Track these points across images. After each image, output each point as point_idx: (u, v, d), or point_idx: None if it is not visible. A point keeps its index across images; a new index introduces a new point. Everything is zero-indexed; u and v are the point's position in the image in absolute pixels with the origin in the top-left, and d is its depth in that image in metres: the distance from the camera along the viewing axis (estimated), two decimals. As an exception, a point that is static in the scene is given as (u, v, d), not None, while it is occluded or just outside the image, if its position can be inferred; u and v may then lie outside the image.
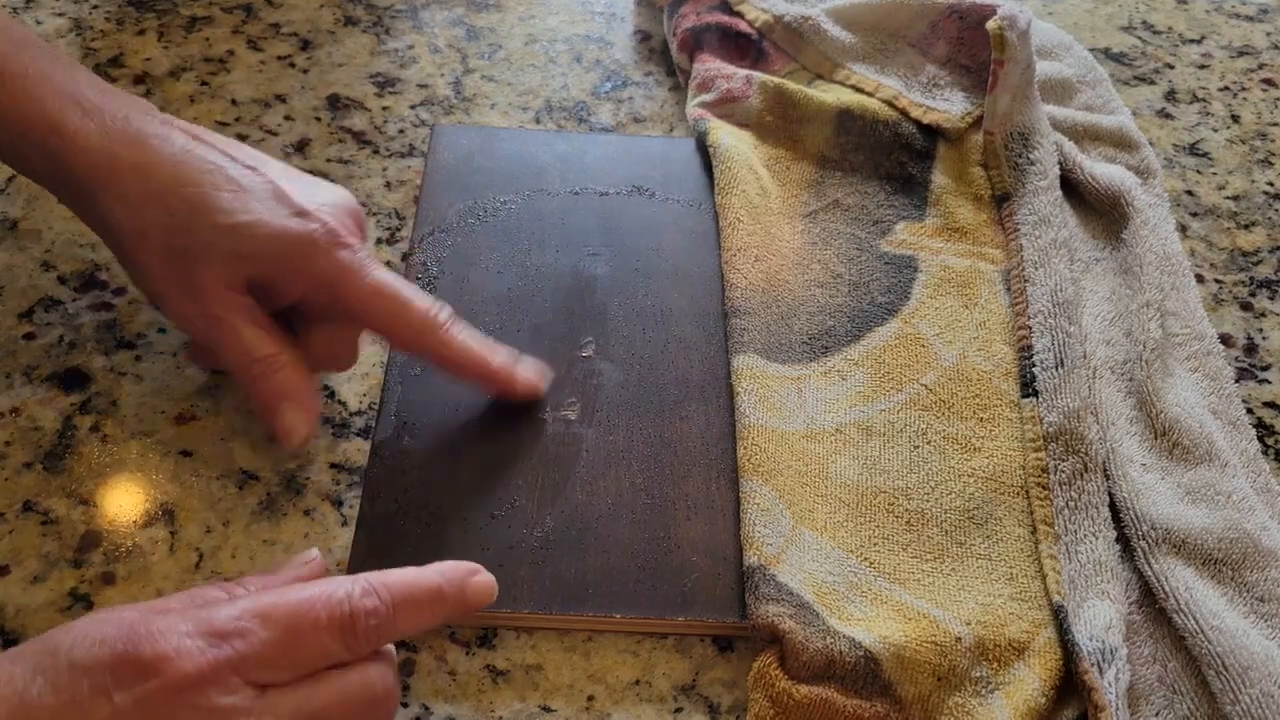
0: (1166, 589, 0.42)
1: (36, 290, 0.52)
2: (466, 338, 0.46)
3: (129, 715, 0.31)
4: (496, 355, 0.47)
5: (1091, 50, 0.68)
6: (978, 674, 0.41)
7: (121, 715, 0.31)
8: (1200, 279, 0.57)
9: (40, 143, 0.43)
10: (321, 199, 0.45)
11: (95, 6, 0.66)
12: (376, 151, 0.60)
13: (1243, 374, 0.53)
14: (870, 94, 0.60)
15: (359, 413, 0.48)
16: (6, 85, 0.43)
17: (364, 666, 0.35)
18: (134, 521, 0.44)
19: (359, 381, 0.49)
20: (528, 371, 0.48)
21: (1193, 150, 0.64)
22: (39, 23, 0.65)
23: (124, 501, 0.45)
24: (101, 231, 0.45)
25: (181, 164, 0.43)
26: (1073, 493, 0.45)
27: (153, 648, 0.32)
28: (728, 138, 0.58)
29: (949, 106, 0.59)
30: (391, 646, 0.36)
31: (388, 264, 0.54)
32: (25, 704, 0.30)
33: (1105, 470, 0.46)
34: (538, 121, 0.62)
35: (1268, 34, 0.73)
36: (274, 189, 0.44)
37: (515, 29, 0.68)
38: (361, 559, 0.42)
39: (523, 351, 0.49)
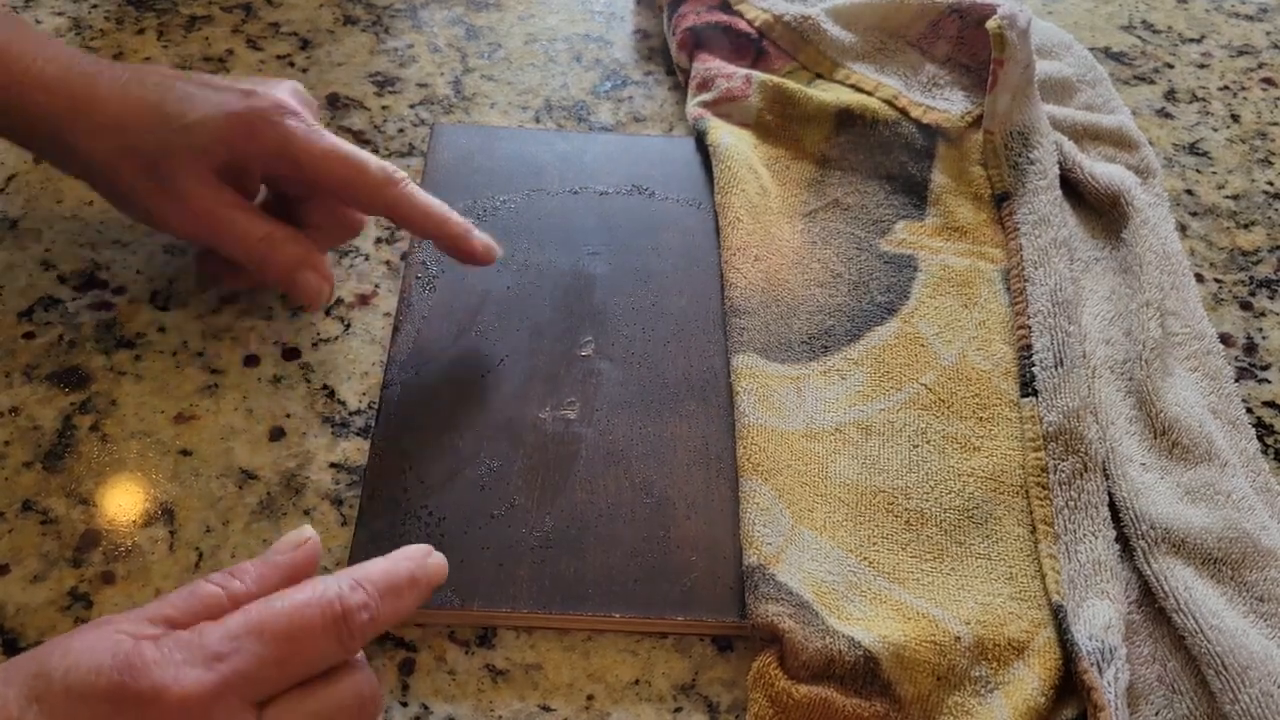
0: (1166, 588, 0.42)
1: (36, 290, 0.52)
2: (424, 196, 0.48)
3: None
4: (453, 215, 0.49)
5: (1091, 49, 0.68)
6: (977, 673, 0.41)
7: None
8: (1200, 278, 0.57)
9: (12, 103, 0.46)
10: (268, 85, 0.48)
11: (95, 6, 0.66)
12: (376, 151, 0.60)
13: (1242, 373, 0.53)
14: (870, 93, 0.60)
15: (359, 412, 0.48)
16: None
17: (352, 672, 0.35)
18: (133, 521, 0.44)
19: (359, 381, 0.49)
20: (482, 236, 0.50)
21: (1192, 150, 0.64)
22: (39, 21, 0.65)
23: (123, 501, 0.45)
24: (78, 170, 0.48)
25: (130, 86, 0.46)
26: (1072, 492, 0.45)
27: (149, 678, 0.31)
28: (727, 137, 0.58)
29: (949, 106, 0.59)
30: (361, 652, 0.36)
31: (386, 264, 0.54)
32: None
33: (1105, 470, 0.46)
34: (537, 121, 0.62)
35: (1267, 33, 0.73)
36: (216, 85, 0.47)
37: (515, 28, 0.68)
38: (362, 559, 0.42)
39: (522, 351, 0.50)
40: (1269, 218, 0.61)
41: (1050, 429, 0.47)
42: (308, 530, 0.38)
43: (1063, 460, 0.46)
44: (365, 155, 0.47)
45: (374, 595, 0.35)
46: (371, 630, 0.35)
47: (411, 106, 0.62)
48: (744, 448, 0.46)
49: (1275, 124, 0.66)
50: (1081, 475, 0.45)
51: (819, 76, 0.62)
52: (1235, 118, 0.66)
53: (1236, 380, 0.52)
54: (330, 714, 0.34)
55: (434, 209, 0.48)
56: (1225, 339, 0.54)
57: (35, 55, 0.46)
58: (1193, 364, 0.51)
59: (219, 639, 0.32)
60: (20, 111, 0.46)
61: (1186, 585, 0.42)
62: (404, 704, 0.40)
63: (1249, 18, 0.74)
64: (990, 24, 0.55)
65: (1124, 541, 0.45)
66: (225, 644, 0.32)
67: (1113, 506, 0.45)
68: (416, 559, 0.38)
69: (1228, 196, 0.62)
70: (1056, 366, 0.49)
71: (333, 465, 0.47)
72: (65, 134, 0.46)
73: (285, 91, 0.48)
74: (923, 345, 0.51)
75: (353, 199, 0.49)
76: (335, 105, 0.62)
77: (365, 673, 0.35)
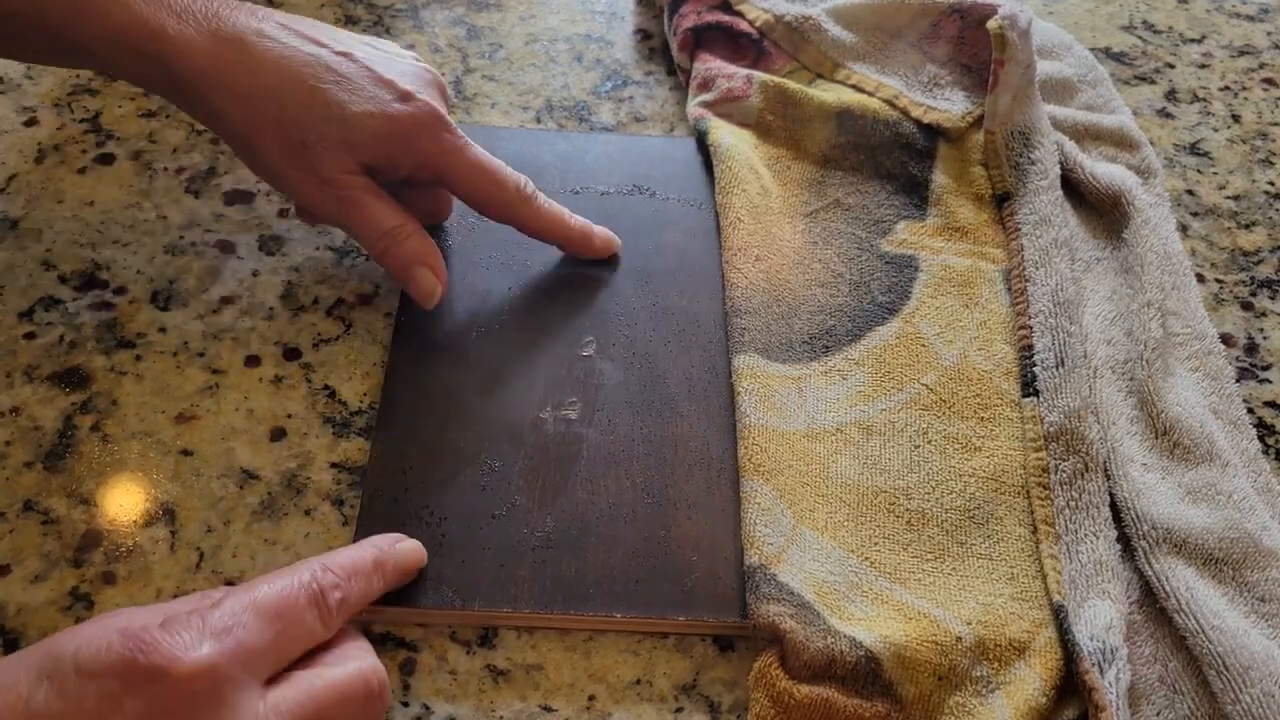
0: (1167, 589, 0.42)
1: (37, 290, 0.52)
2: (551, 206, 0.52)
3: None
4: (574, 219, 0.53)
5: (1092, 50, 0.68)
6: (978, 674, 0.41)
7: None
8: (1201, 279, 0.57)
9: (142, 51, 0.45)
10: (413, 79, 0.49)
11: None
12: (377, 151, 0.60)
13: (1243, 373, 0.53)
14: (871, 93, 0.60)
15: (359, 412, 0.48)
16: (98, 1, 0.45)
17: (359, 657, 0.36)
18: (134, 521, 0.44)
19: (359, 381, 0.49)
20: (601, 231, 0.54)
21: (1193, 150, 0.64)
22: (39, 22, 0.65)
23: (124, 501, 0.45)
24: (218, 130, 0.48)
25: (284, 60, 0.46)
26: (1073, 492, 0.45)
27: (158, 651, 0.32)
28: (728, 137, 0.58)
29: (950, 106, 0.59)
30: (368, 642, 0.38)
31: (388, 263, 0.54)
32: (31, 710, 0.30)
33: (1106, 470, 0.46)
34: (538, 121, 0.62)
35: (1268, 33, 0.73)
36: (372, 75, 0.48)
37: (516, 28, 0.68)
38: (362, 558, 0.42)
39: (522, 351, 0.50)
40: (1270, 218, 0.61)
41: (1051, 429, 0.47)
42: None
43: (1064, 460, 0.46)
44: (504, 172, 0.50)
45: (342, 577, 0.38)
46: (345, 610, 0.37)
47: (412, 106, 0.62)
48: (745, 448, 0.46)
49: (1276, 124, 0.66)
50: (1083, 475, 0.45)
51: (820, 77, 0.62)
52: (1236, 118, 0.66)
53: (1237, 380, 0.52)
54: (336, 695, 0.35)
55: (556, 218, 0.52)
56: (1226, 339, 0.54)
57: (171, 6, 0.45)
58: (1194, 364, 0.51)
59: (219, 616, 0.34)
60: (165, 71, 0.45)
61: (1188, 585, 0.42)
62: (405, 704, 0.40)
63: (1250, 18, 0.74)
64: (991, 24, 0.55)
65: (1125, 542, 0.45)
66: (228, 619, 0.34)
67: (1114, 507, 0.45)
68: (380, 545, 0.41)
69: (1229, 197, 0.62)
70: (1058, 367, 0.48)
71: (333, 465, 0.47)
72: (212, 96, 0.45)
73: (432, 89, 0.50)
74: (924, 345, 0.51)
75: (487, 210, 0.51)
76: (336, 105, 0.62)
77: (371, 659, 0.37)
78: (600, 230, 0.53)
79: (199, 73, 0.45)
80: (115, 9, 0.44)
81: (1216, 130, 0.65)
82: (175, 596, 0.42)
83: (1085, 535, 0.44)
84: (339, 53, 0.47)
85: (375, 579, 0.39)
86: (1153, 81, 0.68)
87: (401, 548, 0.41)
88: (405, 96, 0.47)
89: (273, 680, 0.34)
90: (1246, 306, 0.56)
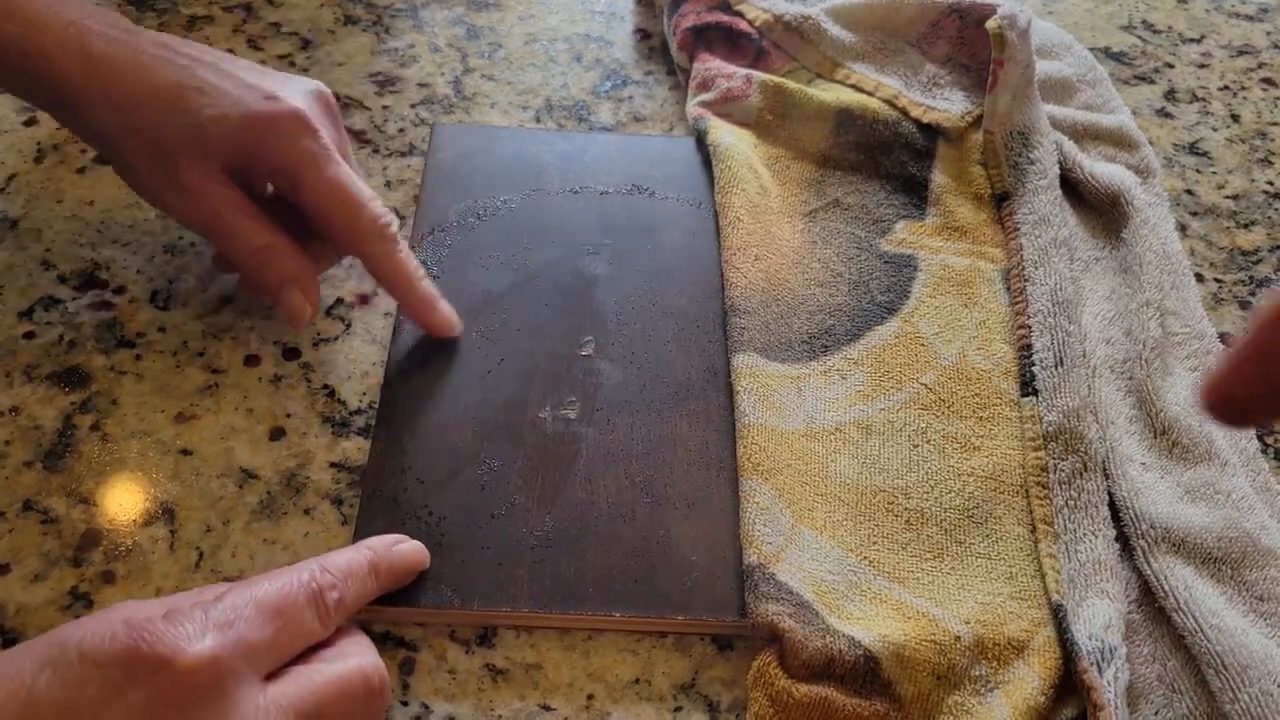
0: (1166, 588, 0.42)
1: (36, 289, 0.52)
2: (405, 257, 0.48)
3: (144, 710, 0.31)
4: (424, 283, 0.49)
5: (1091, 49, 0.68)
6: (977, 673, 0.41)
7: (136, 711, 0.31)
8: (1200, 278, 0.57)
9: (25, 69, 0.45)
10: (289, 86, 0.47)
11: (95, 5, 0.66)
12: (376, 150, 0.60)
13: (1242, 373, 0.53)
14: (870, 93, 0.60)
15: (359, 412, 0.48)
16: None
17: (359, 654, 0.37)
18: (134, 520, 0.44)
19: (359, 381, 0.49)
20: (447, 309, 0.49)
21: (1192, 149, 0.64)
22: (39, 22, 0.65)
23: (124, 500, 0.45)
24: (100, 147, 0.48)
25: (152, 71, 0.45)
26: (1072, 492, 0.45)
27: (162, 642, 0.32)
28: (728, 137, 0.58)
29: (949, 106, 0.59)
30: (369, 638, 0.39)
31: (388, 263, 0.54)
32: (33, 697, 0.30)
33: (1105, 469, 0.46)
34: (538, 120, 0.62)
35: (1268, 33, 0.73)
36: (238, 81, 0.46)
37: (515, 28, 0.68)
38: (361, 558, 0.42)
39: (522, 351, 0.50)
40: (1269, 218, 0.61)
41: (1050, 428, 0.47)
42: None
43: (1063, 460, 0.46)
44: (364, 198, 0.47)
45: (340, 578, 0.38)
46: (342, 610, 0.38)
47: (412, 106, 0.62)
48: (744, 447, 0.46)
49: (1275, 124, 0.66)
50: (1081, 475, 0.45)
51: (819, 76, 0.62)
52: (1235, 118, 0.66)
53: (1236, 380, 0.51)
54: (336, 690, 0.35)
55: (406, 273, 0.48)
56: (1225, 339, 0.54)
57: (54, 14, 0.45)
58: (1193, 363, 0.51)
59: (222, 610, 0.34)
60: (31, 73, 0.45)
61: (1186, 584, 0.42)
62: (404, 703, 0.40)
63: (1249, 18, 0.74)
64: (990, 24, 0.55)
65: (1124, 541, 0.45)
66: (230, 612, 0.34)
67: (1113, 506, 0.45)
68: (376, 547, 0.41)
69: (1228, 196, 0.62)
70: (1056, 366, 0.49)
71: (333, 465, 0.47)
72: (78, 103, 0.45)
73: (309, 98, 0.48)
74: (923, 345, 0.51)
75: (336, 236, 0.47)
76: (335, 105, 0.62)
77: (372, 656, 0.37)
78: (445, 306, 0.49)
79: (77, 90, 0.45)
80: (9, 25, 0.44)
81: (1216, 130, 0.65)
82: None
83: (1084, 534, 0.44)
84: (209, 63, 0.46)
85: (370, 581, 0.40)
86: (1152, 81, 0.68)
87: (400, 549, 0.42)
88: (269, 97, 0.46)
89: (272, 676, 0.34)
90: (1245, 306, 0.56)
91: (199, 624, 0.33)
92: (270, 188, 0.49)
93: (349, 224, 0.46)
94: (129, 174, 0.48)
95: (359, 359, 0.50)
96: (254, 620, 0.34)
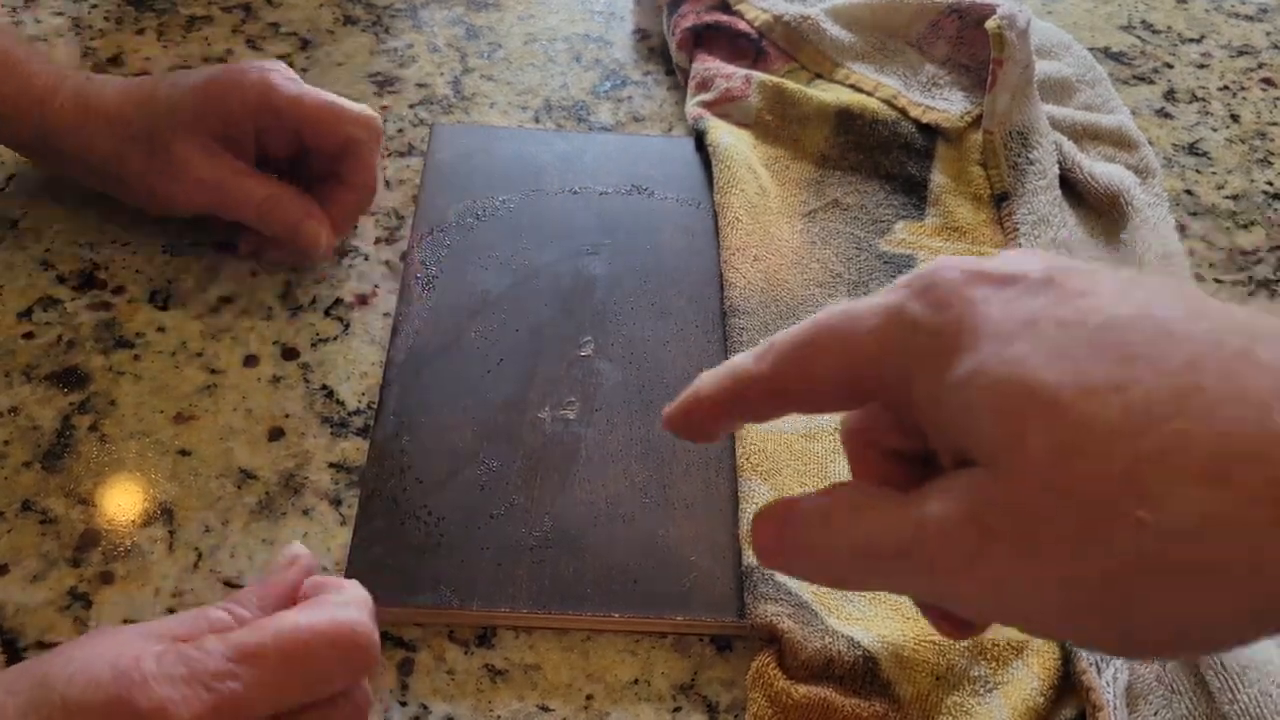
0: (1165, 588, 0.42)
1: (35, 289, 0.52)
2: (373, 169, 0.52)
3: None
4: (363, 207, 0.53)
5: (1091, 49, 0.68)
6: (976, 673, 0.41)
7: None
8: (1199, 278, 0.57)
9: (30, 115, 0.50)
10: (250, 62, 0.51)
11: (94, 6, 0.66)
12: (376, 151, 0.60)
13: (1242, 373, 0.53)
14: (869, 93, 0.60)
15: (358, 412, 0.48)
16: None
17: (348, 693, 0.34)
18: (133, 521, 0.44)
19: (358, 381, 0.49)
20: (327, 233, 0.51)
21: (1192, 150, 0.64)
22: (38, 21, 0.65)
23: (123, 501, 0.45)
24: (80, 170, 0.52)
25: (126, 89, 0.50)
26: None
27: (147, 695, 0.30)
28: (727, 137, 0.58)
29: (948, 106, 0.59)
30: None
31: (386, 264, 0.54)
32: None
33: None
34: (537, 121, 0.62)
35: (1267, 33, 0.73)
36: (200, 70, 0.51)
37: (514, 28, 0.68)
38: (360, 559, 0.42)
39: (521, 351, 0.49)
40: (1268, 218, 0.61)
41: (1049, 429, 0.47)
42: (296, 546, 0.38)
43: (1062, 460, 0.46)
44: (342, 100, 0.50)
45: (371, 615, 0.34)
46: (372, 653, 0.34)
47: (411, 106, 0.62)
48: (743, 448, 0.46)
49: (1275, 124, 0.66)
50: (1081, 475, 0.45)
51: (818, 76, 0.62)
52: (1235, 118, 0.66)
53: (1236, 380, 0.51)
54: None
55: (371, 186, 0.52)
56: (1224, 339, 0.54)
57: (51, 72, 0.50)
58: (1192, 364, 0.51)
59: (218, 658, 0.32)
60: (44, 126, 0.50)
61: (1185, 585, 0.42)
62: (403, 704, 0.40)
63: (1249, 18, 0.74)
64: (989, 24, 0.55)
65: (1123, 541, 0.45)
66: (224, 665, 0.31)
67: (1112, 506, 0.45)
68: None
69: (1227, 196, 0.62)
70: (1056, 366, 0.48)
71: (332, 465, 0.47)
72: (73, 141, 0.49)
73: (270, 63, 0.51)
74: (922, 345, 0.51)
75: (322, 141, 0.50)
76: (335, 105, 0.62)
77: (361, 689, 0.35)
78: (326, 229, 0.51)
79: (69, 124, 0.49)
80: (6, 78, 0.50)
81: (1215, 130, 0.65)
82: (173, 596, 0.42)
83: (1083, 535, 0.44)
84: (179, 70, 0.52)
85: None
86: (1151, 81, 0.68)
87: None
88: (231, 65, 0.51)
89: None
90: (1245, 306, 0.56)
91: (193, 669, 0.31)
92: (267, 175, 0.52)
93: (335, 118, 0.50)
94: (127, 188, 0.51)
95: (358, 359, 0.50)
96: (246, 675, 0.31)
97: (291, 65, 0.63)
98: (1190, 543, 0.22)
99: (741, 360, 0.31)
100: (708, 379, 0.31)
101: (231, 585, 0.43)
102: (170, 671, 0.31)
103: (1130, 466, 0.22)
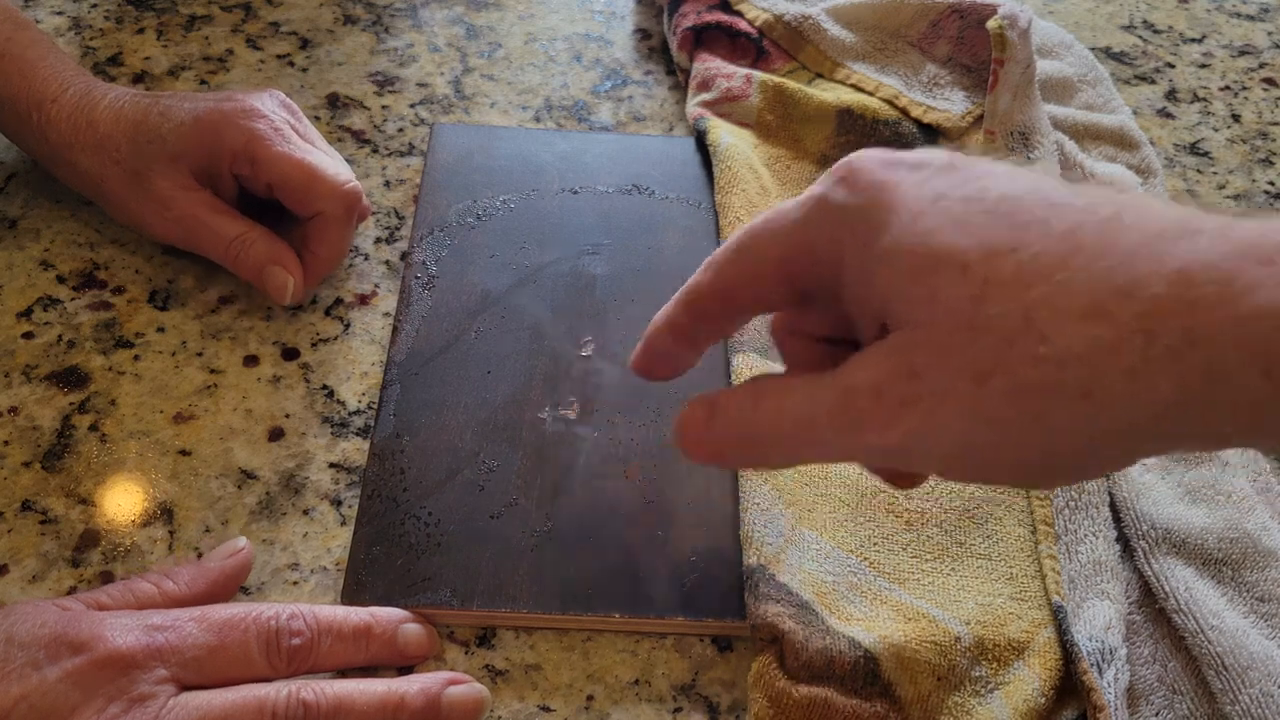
0: (1166, 589, 0.42)
1: (35, 289, 0.52)
2: (344, 237, 0.51)
3: (52, 687, 0.33)
4: (330, 266, 0.52)
5: (1092, 49, 0.68)
6: (977, 674, 0.41)
7: (45, 686, 0.33)
8: (1201, 278, 0.57)
9: (28, 118, 0.50)
10: (247, 92, 0.51)
11: (94, 5, 0.66)
12: (376, 150, 0.60)
13: (1243, 373, 0.53)
14: (871, 93, 0.60)
15: (358, 412, 0.48)
16: (6, 66, 0.50)
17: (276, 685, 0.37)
18: (133, 521, 0.44)
19: (358, 381, 0.49)
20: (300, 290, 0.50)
21: (1193, 149, 0.64)
22: (38, 21, 0.65)
23: (122, 501, 0.45)
24: (78, 183, 0.52)
25: (120, 108, 0.50)
26: (1072, 492, 0.45)
27: (90, 629, 0.34)
28: (727, 137, 0.58)
29: (949, 106, 0.59)
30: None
31: (386, 264, 0.54)
32: None
33: (1105, 470, 0.46)
34: (537, 120, 0.62)
35: (1269, 33, 0.72)
36: (194, 97, 0.51)
37: (515, 28, 0.68)
38: (360, 559, 0.42)
39: (521, 352, 0.49)
40: (1270, 218, 0.60)
41: (1051, 429, 0.47)
42: (241, 540, 0.42)
43: (1063, 460, 0.46)
44: (320, 165, 0.49)
45: (312, 628, 0.38)
46: (304, 659, 0.38)
47: (411, 106, 0.62)
48: (744, 448, 0.46)
49: (1276, 124, 0.66)
50: (1082, 475, 0.45)
51: (819, 76, 0.62)
52: (1236, 118, 0.66)
53: (1237, 380, 0.51)
54: (233, 716, 0.35)
55: (339, 251, 0.51)
56: (1226, 339, 0.54)
57: (57, 78, 0.51)
58: (1193, 364, 0.51)
59: (161, 615, 0.36)
60: (40, 132, 0.50)
61: (1187, 585, 0.42)
62: (403, 704, 0.40)
63: (1250, 18, 0.74)
64: (991, 24, 0.55)
65: (1124, 542, 0.45)
66: (167, 619, 0.36)
67: (1113, 506, 0.45)
68: (380, 617, 0.40)
69: (1229, 196, 0.61)
70: (1057, 366, 0.48)
71: (332, 465, 0.46)
72: (69, 152, 0.50)
73: (263, 96, 0.51)
74: (923, 345, 0.51)
75: (295, 203, 0.50)
76: (335, 105, 0.62)
77: (285, 690, 0.36)
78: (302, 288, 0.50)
79: (62, 136, 0.50)
80: (18, 79, 0.50)
81: (1217, 130, 0.65)
82: (173, 596, 0.42)
83: (1084, 535, 0.44)
84: (182, 95, 0.51)
85: (359, 647, 0.39)
86: (1153, 81, 0.68)
87: (409, 629, 0.40)
88: (221, 100, 0.50)
89: (195, 688, 0.35)
90: (1246, 306, 0.56)
91: (132, 621, 0.35)
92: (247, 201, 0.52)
93: (307, 188, 0.49)
94: (115, 208, 0.51)
95: (358, 359, 0.50)
96: (189, 633, 0.36)
97: (291, 65, 0.64)
98: (1081, 366, 0.26)
99: (687, 282, 0.35)
100: (660, 311, 0.36)
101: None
102: (114, 620, 0.35)
103: (1028, 310, 0.26)
